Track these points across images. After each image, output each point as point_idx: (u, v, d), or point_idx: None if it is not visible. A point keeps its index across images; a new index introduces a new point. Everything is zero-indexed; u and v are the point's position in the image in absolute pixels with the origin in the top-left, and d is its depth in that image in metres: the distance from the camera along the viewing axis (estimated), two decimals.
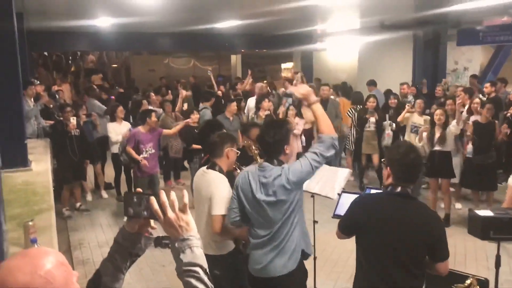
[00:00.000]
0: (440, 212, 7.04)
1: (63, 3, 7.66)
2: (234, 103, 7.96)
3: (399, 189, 2.67)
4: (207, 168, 3.53)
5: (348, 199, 4.53)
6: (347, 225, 2.86)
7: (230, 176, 3.56)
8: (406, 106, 7.98)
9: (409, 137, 7.67)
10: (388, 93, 9.73)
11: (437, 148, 6.76)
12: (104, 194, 8.60)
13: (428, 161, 6.96)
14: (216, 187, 3.37)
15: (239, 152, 3.66)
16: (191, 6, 8.15)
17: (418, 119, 7.59)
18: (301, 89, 3.13)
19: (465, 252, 5.81)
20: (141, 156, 6.77)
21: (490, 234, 3.91)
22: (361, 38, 13.66)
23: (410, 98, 9.46)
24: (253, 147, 3.82)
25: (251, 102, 9.34)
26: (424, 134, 6.99)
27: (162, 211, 1.49)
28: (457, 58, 14.54)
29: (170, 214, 1.48)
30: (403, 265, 2.64)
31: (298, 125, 8.45)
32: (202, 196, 3.45)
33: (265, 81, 12.79)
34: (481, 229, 3.93)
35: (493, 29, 10.81)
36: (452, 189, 7.37)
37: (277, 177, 2.97)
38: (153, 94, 9.97)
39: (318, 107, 3.13)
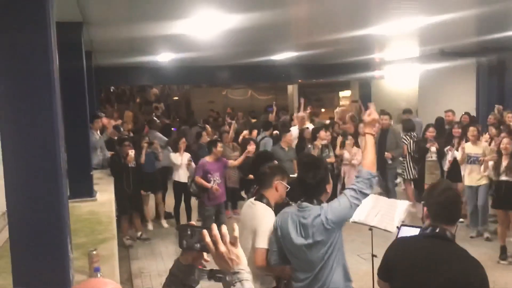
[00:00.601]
0: (510, 247, 6.65)
1: (127, 41, 8.11)
2: (290, 133, 8.01)
3: (437, 230, 2.49)
4: (255, 199, 3.47)
5: (407, 232, 4.39)
6: (382, 270, 2.66)
7: (279, 209, 3.48)
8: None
9: (467, 168, 7.36)
10: (439, 120, 9.43)
11: (504, 178, 6.43)
12: (164, 223, 8.81)
13: (494, 192, 6.64)
14: (261, 220, 3.29)
15: (289, 186, 3.55)
16: (247, 39, 8.36)
17: (473, 149, 7.26)
18: (372, 115, 3.09)
19: None
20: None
21: None
22: (421, 66, 13.39)
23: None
24: None
25: (294, 131, 9.32)
26: (490, 163, 6.69)
27: (214, 244, 1.53)
28: None
29: (221, 247, 1.52)
30: None
31: (357, 155, 8.35)
32: (247, 228, 3.38)
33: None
34: None
35: None
36: None
37: (316, 217, 2.89)
38: (208, 126, 10.24)
39: (370, 139, 3.10)
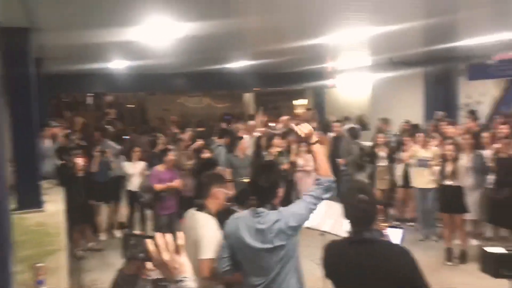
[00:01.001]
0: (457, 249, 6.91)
1: (79, 47, 7.94)
2: (244, 141, 8.04)
3: (358, 234, 2.55)
4: (196, 209, 3.42)
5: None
6: (325, 272, 2.73)
7: (223, 216, 3.44)
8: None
9: (417, 171, 7.62)
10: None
11: (448, 182, 6.70)
12: (118, 233, 8.64)
13: (439, 196, 6.91)
14: (203, 230, 3.23)
15: (229, 192, 3.57)
16: (202, 47, 8.37)
17: (423, 153, 7.55)
18: (304, 128, 3.11)
19: None
20: (162, 194, 6.91)
21: (503, 272, 3.83)
22: (373, 75, 13.79)
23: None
24: None
25: (248, 139, 9.35)
26: (436, 168, 6.96)
27: (157, 253, 1.52)
28: (470, 93, 14.51)
29: (165, 255, 1.51)
30: None
31: (310, 161, 8.47)
32: (189, 239, 3.24)
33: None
34: (493, 266, 3.85)
35: (503, 63, 10.83)
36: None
37: (275, 222, 2.87)
38: (161, 134, 10.11)
39: (317, 148, 3.12)
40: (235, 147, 8.05)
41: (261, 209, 2.95)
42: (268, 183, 2.95)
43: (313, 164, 8.03)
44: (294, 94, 19.28)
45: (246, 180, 4.44)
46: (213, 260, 3.15)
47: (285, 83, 15.26)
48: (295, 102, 19.71)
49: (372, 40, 8.46)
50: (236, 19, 6.18)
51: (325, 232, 4.91)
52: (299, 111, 18.49)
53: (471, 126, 9.20)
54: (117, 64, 10.57)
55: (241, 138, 8.36)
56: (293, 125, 3.27)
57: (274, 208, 2.97)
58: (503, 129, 7.47)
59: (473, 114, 11.27)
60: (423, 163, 7.49)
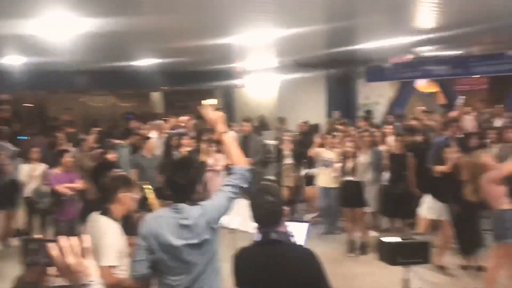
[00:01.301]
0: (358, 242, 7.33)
1: None
2: (152, 141, 7.87)
3: (265, 236, 2.53)
4: (100, 213, 3.23)
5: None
6: (235, 281, 2.67)
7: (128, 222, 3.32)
8: None
9: (321, 171, 7.96)
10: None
11: (349, 178, 7.08)
12: (14, 241, 8.04)
13: (341, 192, 7.28)
14: (104, 236, 3.06)
15: (137, 196, 3.40)
16: (107, 44, 8.08)
17: (326, 153, 7.90)
18: (211, 114, 3.07)
19: (380, 279, 6.04)
20: (62, 198, 6.52)
21: (398, 259, 4.15)
22: (280, 76, 14.20)
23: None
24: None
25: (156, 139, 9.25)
26: (338, 165, 7.33)
27: (61, 257, 1.46)
28: (368, 94, 15.48)
29: (69, 259, 1.45)
30: None
31: (219, 161, 8.52)
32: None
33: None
34: (390, 255, 4.15)
35: (398, 67, 11.68)
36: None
37: (200, 216, 2.83)
38: (62, 134, 9.58)
39: (227, 138, 3.07)
40: (142, 147, 7.86)
41: (181, 205, 2.86)
42: (186, 180, 2.89)
43: (224, 162, 8.07)
44: (203, 94, 19.22)
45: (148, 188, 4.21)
46: (113, 268, 3.01)
47: (193, 82, 15.19)
48: (204, 102, 19.68)
49: (277, 42, 8.71)
50: (142, 17, 6.04)
51: (234, 229, 4.97)
52: (205, 110, 18.47)
53: (362, 126, 9.84)
54: (13, 60, 9.84)
55: (149, 138, 8.17)
56: (202, 109, 3.18)
57: (194, 203, 2.90)
58: (387, 129, 8.14)
59: (368, 114, 12.04)
60: (327, 163, 7.83)
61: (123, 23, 6.11)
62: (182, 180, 2.88)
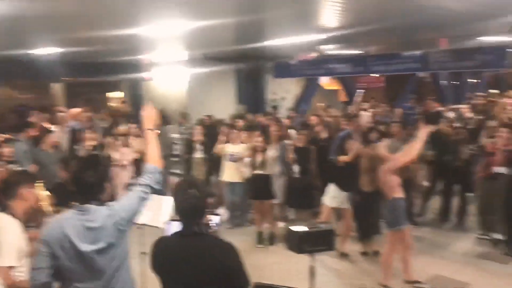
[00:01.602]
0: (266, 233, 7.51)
1: None
2: (53, 135, 7.43)
3: (187, 227, 2.59)
4: (0, 210, 3.07)
5: (176, 228, 4.58)
6: (153, 267, 2.69)
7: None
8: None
9: (227, 165, 8.01)
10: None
11: (258, 171, 7.23)
12: None
13: (250, 184, 7.41)
14: (3, 234, 2.91)
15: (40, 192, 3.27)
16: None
17: (233, 148, 7.98)
18: (150, 110, 3.07)
19: (289, 268, 6.25)
20: None
21: (305, 248, 4.31)
22: (190, 69, 14.06)
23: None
24: None
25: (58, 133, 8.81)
26: (247, 160, 7.45)
27: None
28: (276, 89, 15.88)
29: None
30: None
31: (126, 155, 8.27)
32: None
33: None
34: (298, 243, 4.30)
35: (303, 64, 12.09)
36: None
37: (107, 218, 2.70)
38: None
39: (151, 135, 3.06)
40: (42, 141, 7.38)
41: (87, 206, 2.72)
42: (94, 178, 2.75)
43: (130, 156, 7.81)
44: (108, 86, 18.46)
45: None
46: (12, 268, 2.84)
47: (98, 74, 14.51)
48: (109, 95, 18.92)
49: (186, 35, 8.60)
50: (41, 1, 5.64)
51: (142, 225, 4.86)
52: (113, 103, 17.85)
53: (261, 120, 10.13)
54: None
55: (50, 131, 7.70)
56: (146, 103, 3.22)
57: (102, 204, 2.78)
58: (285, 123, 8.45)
59: (274, 109, 12.38)
60: (233, 158, 7.90)
61: (19, 5, 5.66)
62: (90, 179, 2.74)
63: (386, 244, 5.71)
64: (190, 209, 2.57)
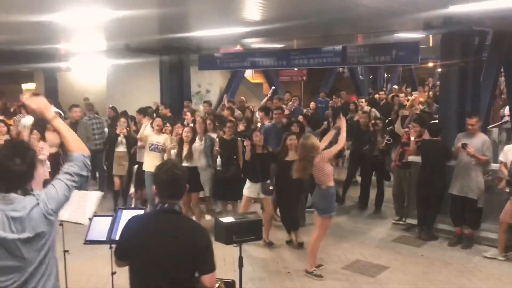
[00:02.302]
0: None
1: None
2: None
3: (165, 206, 2.73)
4: None
5: (100, 223, 4.45)
6: (121, 251, 2.80)
7: None
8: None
9: (148, 155, 7.87)
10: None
11: (185, 164, 7.17)
12: None
13: None
14: None
15: None
16: None
17: (156, 138, 7.86)
18: (36, 101, 2.78)
19: (217, 261, 6.26)
20: None
21: (233, 238, 4.36)
22: (110, 60, 13.57)
23: None
24: None
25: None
26: (173, 152, 7.36)
27: None
28: (200, 82, 15.79)
29: None
30: (174, 282, 2.65)
31: (44, 150, 7.85)
32: None
33: None
34: (225, 234, 4.34)
35: (228, 56, 12.11)
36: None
37: (34, 207, 2.54)
38: None
39: (59, 123, 2.85)
40: None
41: (13, 195, 2.55)
42: (23, 166, 2.57)
43: (48, 150, 7.46)
44: (21, 77, 17.40)
45: None
46: None
47: (10, 63, 13.55)
48: (23, 86, 17.85)
49: (108, 24, 8.30)
50: None
51: (64, 221, 4.66)
52: (27, 95, 16.84)
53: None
54: None
55: None
56: (23, 99, 2.90)
57: (27, 192, 2.61)
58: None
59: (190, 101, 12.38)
60: (155, 147, 7.77)
61: None
62: (18, 167, 2.55)
63: (317, 230, 5.87)
64: (171, 189, 2.74)
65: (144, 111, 9.43)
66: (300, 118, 9.00)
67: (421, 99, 13.45)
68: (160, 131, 7.90)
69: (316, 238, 5.83)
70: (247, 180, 6.92)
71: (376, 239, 7.22)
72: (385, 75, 24.05)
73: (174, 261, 2.64)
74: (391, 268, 6.14)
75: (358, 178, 9.17)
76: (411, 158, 7.41)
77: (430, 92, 16.78)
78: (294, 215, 7.04)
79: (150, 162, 7.74)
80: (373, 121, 8.78)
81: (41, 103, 2.78)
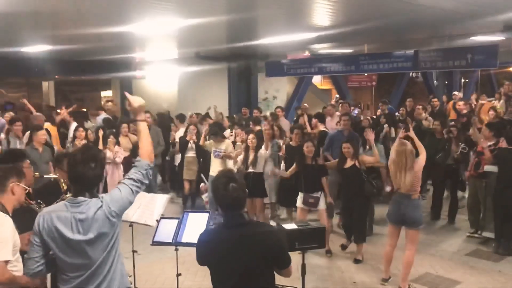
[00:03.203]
0: None
1: None
2: (43, 132, 7.35)
3: (230, 218, 2.78)
4: None
5: (167, 225, 4.58)
6: (200, 260, 2.90)
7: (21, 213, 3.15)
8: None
9: (213, 161, 7.88)
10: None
11: (251, 170, 7.21)
12: None
13: None
14: None
15: (28, 188, 3.26)
16: None
17: (218, 145, 7.88)
18: (136, 99, 3.03)
19: None
20: None
21: (295, 245, 4.31)
22: (180, 68, 14.03)
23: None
24: (65, 180, 3.57)
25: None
26: (239, 158, 7.43)
27: None
28: (267, 88, 15.89)
29: None
30: (254, 281, 2.77)
31: (119, 153, 8.24)
32: None
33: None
34: (288, 241, 4.29)
35: (295, 63, 12.10)
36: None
37: (98, 210, 2.73)
38: None
39: (144, 127, 3.05)
40: (32, 139, 7.33)
41: (81, 198, 2.76)
42: (94, 171, 2.77)
43: (123, 154, 7.77)
44: (100, 85, 18.41)
45: (52, 176, 4.15)
46: (7, 263, 2.85)
47: (90, 72, 14.44)
48: (102, 94, 18.87)
49: (179, 32, 8.60)
50: None
51: (133, 222, 4.84)
52: (104, 102, 17.81)
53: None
54: None
55: (40, 128, 7.62)
56: (126, 94, 3.14)
57: (94, 195, 2.81)
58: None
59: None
60: (217, 154, 7.84)
61: (9, 2, 5.62)
62: (89, 172, 2.75)
63: (411, 245, 5.53)
64: (234, 202, 2.77)
65: (181, 117, 9.75)
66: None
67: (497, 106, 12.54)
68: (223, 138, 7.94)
69: (413, 254, 5.54)
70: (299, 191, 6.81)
71: (448, 252, 6.86)
72: (462, 80, 22.91)
73: (255, 267, 2.77)
74: (464, 283, 5.80)
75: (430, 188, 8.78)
76: (487, 167, 6.98)
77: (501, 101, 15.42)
78: (360, 224, 6.79)
79: (214, 168, 7.84)
80: (446, 128, 8.36)
81: (139, 103, 3.04)
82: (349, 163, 6.45)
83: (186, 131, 9.06)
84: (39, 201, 3.49)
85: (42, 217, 2.76)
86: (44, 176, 4.34)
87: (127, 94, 3.13)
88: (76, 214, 2.72)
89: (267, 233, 2.83)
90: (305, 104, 13.18)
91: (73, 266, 2.77)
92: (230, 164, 7.63)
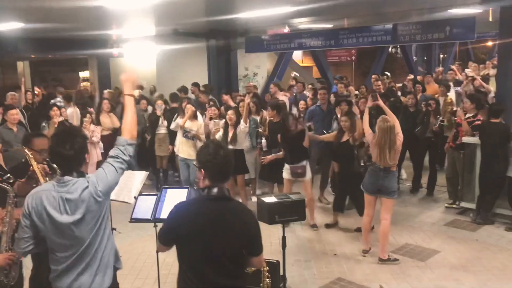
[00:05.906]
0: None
1: None
2: (14, 111, 7.18)
3: (215, 190, 2.63)
4: None
5: (145, 202, 4.53)
6: (167, 237, 2.74)
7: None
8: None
9: (182, 142, 7.77)
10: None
11: (230, 146, 7.17)
12: None
13: None
14: None
15: None
16: None
17: (190, 125, 7.72)
18: (132, 72, 3.06)
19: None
20: None
21: (275, 218, 4.31)
22: (159, 45, 13.78)
23: None
24: (36, 162, 3.48)
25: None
26: (218, 135, 7.38)
27: None
28: (247, 65, 15.75)
29: None
30: (225, 268, 2.63)
31: (95, 132, 8.13)
32: None
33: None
34: (268, 214, 4.30)
35: (275, 38, 11.97)
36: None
37: (85, 189, 2.71)
38: None
39: (131, 102, 3.03)
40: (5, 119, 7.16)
41: (67, 178, 2.74)
42: (73, 150, 2.73)
43: (100, 133, 7.64)
44: (78, 65, 18.04)
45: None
46: None
47: (66, 50, 14.05)
48: (81, 74, 18.52)
49: (156, 8, 8.39)
50: None
51: (112, 200, 4.77)
52: (85, 83, 17.53)
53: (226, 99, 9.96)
54: None
55: (12, 107, 7.44)
56: (130, 65, 3.16)
57: (81, 175, 2.80)
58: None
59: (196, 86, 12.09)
60: (185, 135, 7.73)
61: None
62: (67, 152, 2.72)
63: (387, 214, 5.64)
64: (222, 169, 2.65)
65: (173, 96, 9.58)
66: None
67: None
68: (194, 117, 7.80)
69: (388, 223, 5.61)
70: (285, 163, 6.81)
71: (427, 223, 6.97)
72: (441, 56, 23.04)
73: (227, 249, 2.61)
74: (443, 252, 5.91)
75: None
76: (465, 139, 7.06)
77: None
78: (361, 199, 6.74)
79: (184, 149, 7.73)
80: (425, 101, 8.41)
81: (132, 76, 3.09)
82: (346, 137, 6.49)
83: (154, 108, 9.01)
84: (9, 176, 3.40)
85: (32, 197, 2.77)
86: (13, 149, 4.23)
87: (130, 65, 3.15)
88: (63, 194, 2.72)
89: (248, 213, 2.76)
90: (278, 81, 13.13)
91: (62, 246, 2.78)
92: (199, 145, 7.53)
